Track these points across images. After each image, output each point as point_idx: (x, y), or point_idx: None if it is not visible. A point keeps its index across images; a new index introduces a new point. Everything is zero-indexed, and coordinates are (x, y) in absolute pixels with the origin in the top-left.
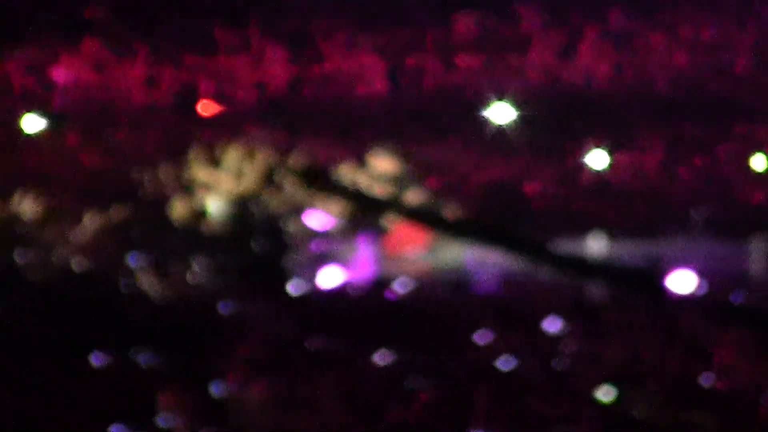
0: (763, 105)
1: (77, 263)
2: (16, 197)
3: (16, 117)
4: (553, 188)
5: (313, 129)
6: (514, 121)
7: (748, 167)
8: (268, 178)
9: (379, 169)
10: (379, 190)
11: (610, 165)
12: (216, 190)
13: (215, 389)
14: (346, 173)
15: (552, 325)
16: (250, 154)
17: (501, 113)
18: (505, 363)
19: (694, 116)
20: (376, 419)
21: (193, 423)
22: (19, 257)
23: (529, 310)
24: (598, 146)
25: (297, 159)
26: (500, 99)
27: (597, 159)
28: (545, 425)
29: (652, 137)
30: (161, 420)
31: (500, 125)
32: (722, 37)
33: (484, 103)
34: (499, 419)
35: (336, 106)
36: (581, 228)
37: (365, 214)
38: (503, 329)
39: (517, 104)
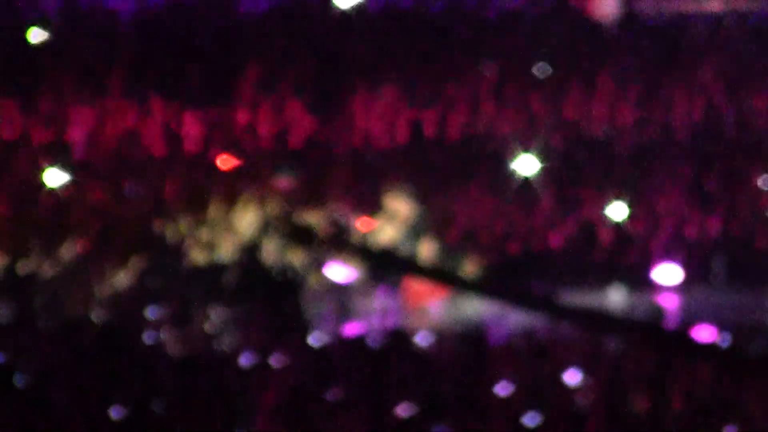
0: None
1: (97, 314)
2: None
3: (38, 171)
4: (573, 239)
5: (332, 180)
6: (536, 171)
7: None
8: (279, 231)
9: (395, 212)
10: (390, 236)
11: (630, 216)
12: (232, 240)
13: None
14: (361, 231)
15: (572, 377)
16: (265, 206)
17: (525, 164)
18: (530, 419)
19: (713, 166)
20: None
21: None
22: (39, 308)
23: (549, 363)
24: (617, 197)
25: (299, 215)
26: (524, 150)
27: (617, 210)
28: None
29: (672, 187)
30: None
31: (524, 176)
32: (740, 87)
33: (507, 153)
34: None
35: (357, 156)
36: (601, 280)
37: (381, 270)
38: (524, 382)
39: (540, 155)
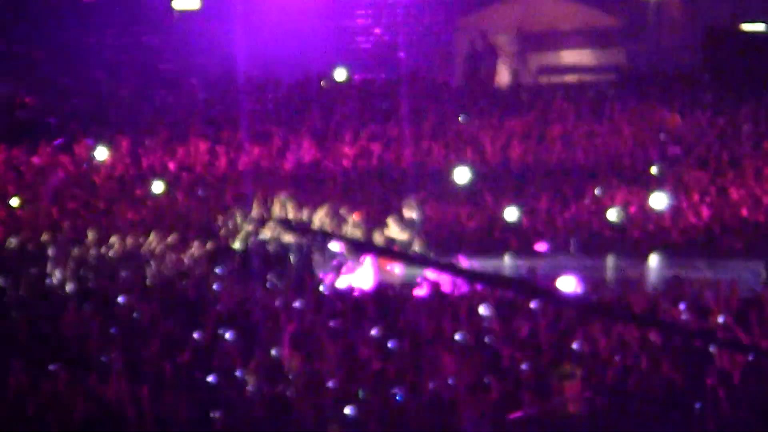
0: (610, 174)
1: (181, 273)
2: (146, 236)
3: (149, 186)
4: (484, 227)
5: (326, 190)
6: (466, 181)
7: (606, 217)
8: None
9: (408, 215)
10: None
11: (521, 213)
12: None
13: (275, 353)
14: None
15: (485, 311)
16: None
17: (459, 174)
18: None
19: (569, 181)
20: (365, 367)
21: (263, 374)
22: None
23: (462, 301)
24: (512, 204)
25: (282, 211)
26: (459, 166)
27: (511, 213)
28: None
29: (543, 194)
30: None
31: (456, 184)
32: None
33: (443, 172)
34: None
35: (343, 175)
36: (500, 252)
37: (361, 251)
38: (440, 311)
39: (468, 172)
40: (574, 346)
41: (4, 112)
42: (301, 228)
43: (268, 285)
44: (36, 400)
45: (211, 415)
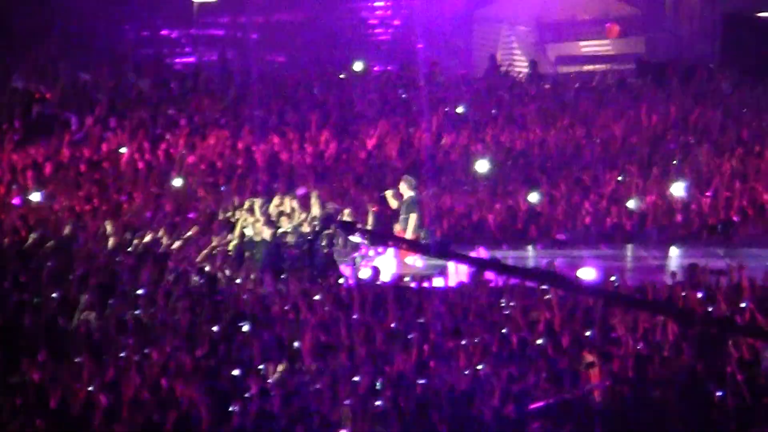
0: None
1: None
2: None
3: (168, 181)
4: (500, 217)
5: (349, 179)
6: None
7: (625, 204)
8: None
9: (405, 193)
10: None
11: (540, 200)
12: (287, 221)
13: (298, 344)
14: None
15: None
16: (310, 200)
17: (480, 165)
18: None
19: (588, 170)
20: (385, 360)
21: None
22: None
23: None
24: (534, 189)
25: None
26: (479, 158)
27: (534, 197)
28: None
29: (562, 181)
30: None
31: (476, 174)
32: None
33: (460, 162)
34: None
35: (367, 166)
36: (524, 242)
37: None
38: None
39: (486, 163)
40: (595, 335)
41: (22, 106)
42: (328, 220)
43: (289, 277)
44: (58, 392)
45: (231, 408)
